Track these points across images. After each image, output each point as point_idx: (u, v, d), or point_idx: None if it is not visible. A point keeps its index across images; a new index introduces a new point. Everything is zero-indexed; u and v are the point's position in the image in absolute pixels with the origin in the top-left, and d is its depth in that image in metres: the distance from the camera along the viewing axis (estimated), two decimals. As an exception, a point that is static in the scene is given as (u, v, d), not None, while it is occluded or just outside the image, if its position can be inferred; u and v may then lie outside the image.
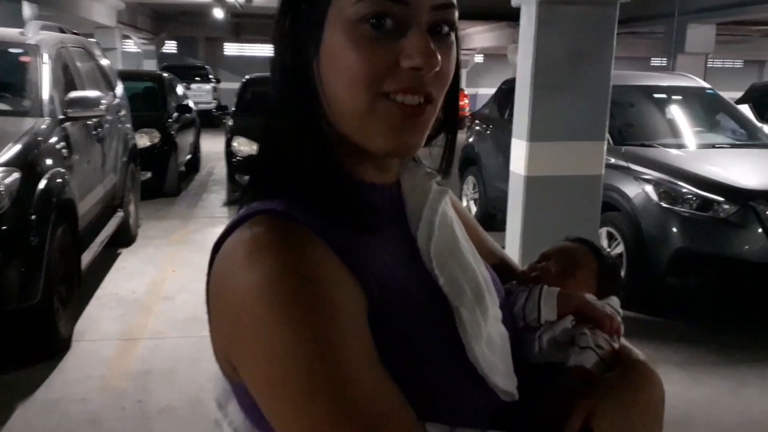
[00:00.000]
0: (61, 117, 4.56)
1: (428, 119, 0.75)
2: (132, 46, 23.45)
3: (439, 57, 0.71)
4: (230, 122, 9.09)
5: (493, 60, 24.08)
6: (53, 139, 4.33)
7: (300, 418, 0.64)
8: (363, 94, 0.71)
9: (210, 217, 7.97)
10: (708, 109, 6.38)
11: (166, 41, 24.06)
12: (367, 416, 0.64)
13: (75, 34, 5.97)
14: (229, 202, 8.64)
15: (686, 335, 4.60)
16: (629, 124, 5.81)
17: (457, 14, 0.75)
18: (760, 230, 4.60)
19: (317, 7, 0.73)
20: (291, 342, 0.63)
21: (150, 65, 20.84)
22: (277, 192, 0.74)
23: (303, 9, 0.75)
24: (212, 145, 12.65)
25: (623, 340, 0.88)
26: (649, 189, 4.90)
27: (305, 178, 0.75)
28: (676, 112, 6.13)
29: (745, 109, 7.27)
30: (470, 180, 7.64)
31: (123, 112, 6.56)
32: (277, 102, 0.78)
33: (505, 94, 6.76)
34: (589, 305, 0.89)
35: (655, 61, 23.78)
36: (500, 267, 1.00)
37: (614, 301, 0.96)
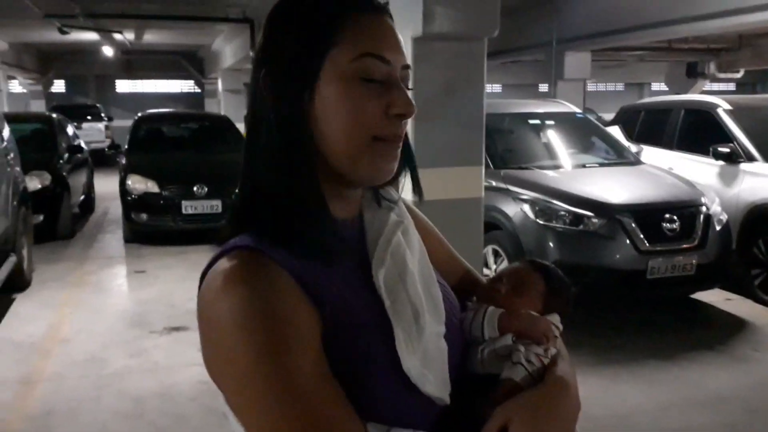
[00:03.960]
0: (-54, 163, 4.52)
1: (399, 152, 0.95)
2: (18, 86, 22.70)
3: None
4: (124, 160, 9.04)
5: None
6: (-61, 186, 4.30)
7: (261, 424, 0.79)
8: (358, 138, 0.88)
9: (106, 258, 7.88)
10: (579, 131, 6.89)
11: (54, 81, 23.42)
12: (314, 421, 0.78)
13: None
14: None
15: (565, 340, 4.95)
16: (508, 149, 6.21)
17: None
18: (627, 241, 5.04)
19: (314, 61, 0.88)
20: (253, 362, 0.78)
21: (38, 106, 20.26)
22: (252, 226, 0.90)
23: (297, 63, 0.89)
24: (107, 185, 12.42)
25: (559, 356, 1.02)
26: (527, 208, 5.28)
27: (282, 213, 0.89)
28: (550, 135, 6.59)
29: (615, 130, 7.85)
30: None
31: (11, 156, 6.48)
32: (265, 143, 0.90)
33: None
34: (527, 326, 1.03)
35: (543, 87, 24.99)
36: (463, 280, 1.18)
37: (555, 317, 1.09)
